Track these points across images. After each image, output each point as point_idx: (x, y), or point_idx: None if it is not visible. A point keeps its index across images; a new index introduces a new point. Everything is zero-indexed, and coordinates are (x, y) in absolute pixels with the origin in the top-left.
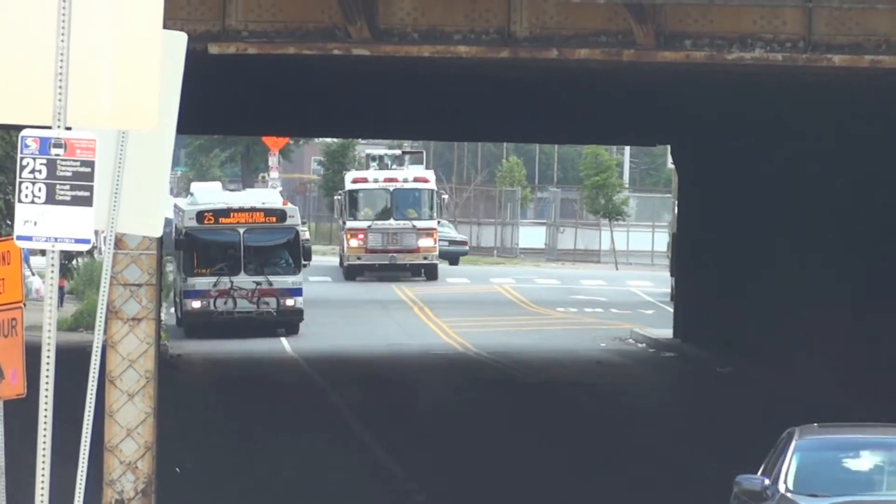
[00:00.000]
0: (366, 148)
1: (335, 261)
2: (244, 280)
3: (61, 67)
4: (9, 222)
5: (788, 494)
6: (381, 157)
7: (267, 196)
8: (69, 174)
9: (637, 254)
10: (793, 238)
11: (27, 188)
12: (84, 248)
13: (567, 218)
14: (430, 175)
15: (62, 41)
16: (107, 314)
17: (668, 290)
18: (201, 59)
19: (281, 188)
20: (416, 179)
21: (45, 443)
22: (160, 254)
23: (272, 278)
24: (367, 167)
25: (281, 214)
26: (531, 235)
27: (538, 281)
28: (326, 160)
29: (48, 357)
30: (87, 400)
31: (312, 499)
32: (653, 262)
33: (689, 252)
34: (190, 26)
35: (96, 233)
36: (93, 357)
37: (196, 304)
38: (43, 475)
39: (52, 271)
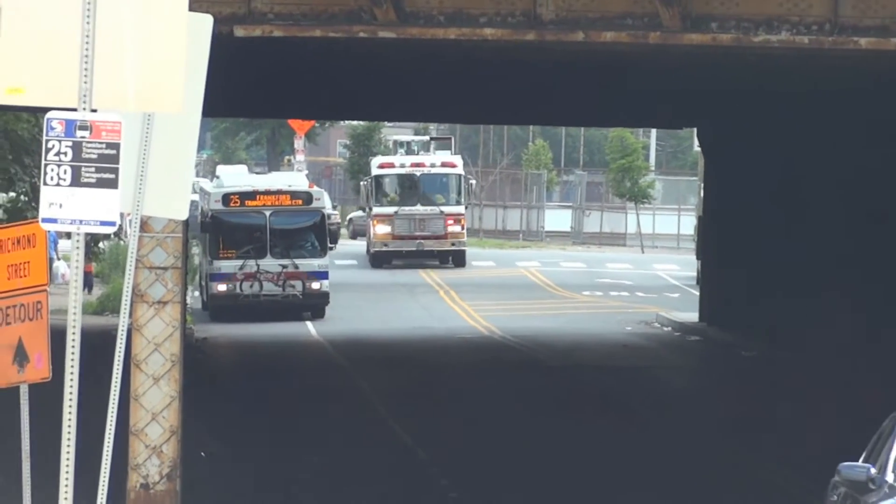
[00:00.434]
0: (392, 132)
1: (361, 244)
2: (270, 263)
3: (87, 50)
4: (34, 205)
5: None
6: (408, 144)
7: (293, 179)
8: (95, 156)
9: (663, 237)
10: (820, 222)
11: (53, 170)
12: (109, 230)
13: (593, 201)
14: (458, 160)
15: (88, 24)
16: (132, 297)
17: (694, 274)
18: (227, 42)
19: (307, 171)
20: (443, 164)
21: (69, 426)
22: (186, 237)
23: (298, 261)
24: (395, 153)
25: (307, 197)
26: (557, 218)
27: (564, 264)
28: (352, 143)
29: (73, 340)
30: (113, 383)
31: (338, 482)
32: (679, 245)
33: (714, 235)
34: (215, 9)
35: (122, 216)
36: (118, 340)
37: (222, 288)
38: (68, 459)
39: (78, 254)
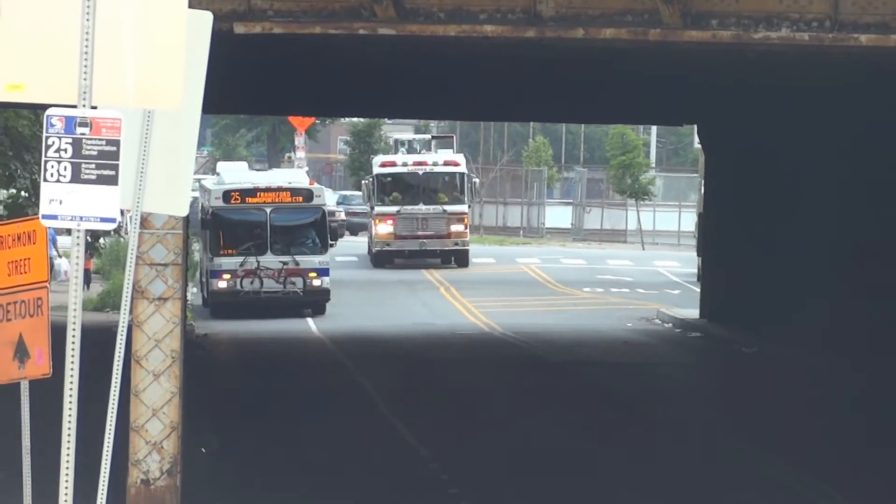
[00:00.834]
0: (392, 129)
1: (362, 241)
2: (271, 260)
3: (87, 47)
4: (34, 201)
5: None
6: (409, 143)
7: (293, 176)
8: (95, 153)
9: (663, 234)
10: (820, 219)
11: (53, 167)
12: (110, 226)
13: (593, 198)
14: (461, 158)
15: (88, 20)
16: (133, 294)
17: (695, 271)
18: (227, 39)
19: (307, 168)
20: (446, 163)
21: (70, 422)
22: (186, 233)
23: (299, 258)
24: (396, 152)
25: (307, 194)
26: (557, 215)
27: (564, 261)
28: (353, 140)
29: (73, 336)
30: (113, 380)
31: (338, 479)
32: (679, 242)
33: (715, 232)
34: (215, 5)
35: (122, 212)
36: (119, 337)
37: (222, 284)
38: (68, 455)
39: (78, 250)
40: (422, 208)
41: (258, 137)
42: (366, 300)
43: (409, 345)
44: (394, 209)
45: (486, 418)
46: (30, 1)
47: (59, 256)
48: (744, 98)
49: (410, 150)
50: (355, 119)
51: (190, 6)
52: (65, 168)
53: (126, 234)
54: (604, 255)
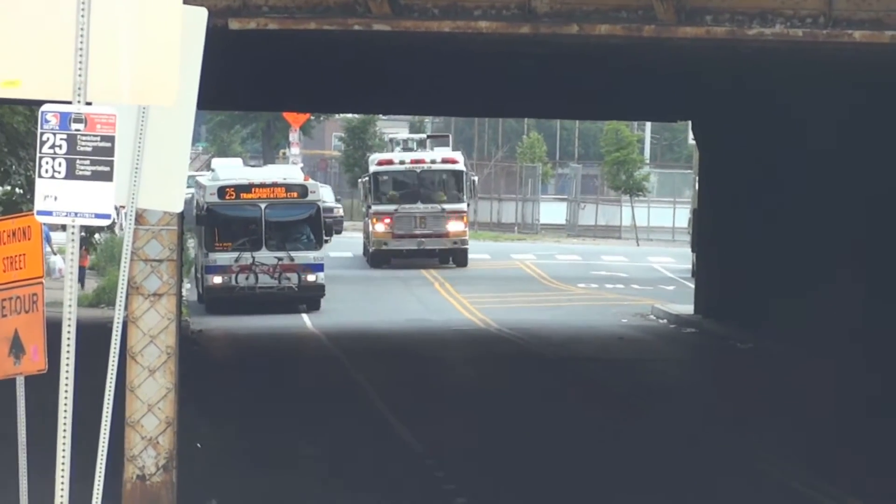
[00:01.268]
0: (386, 125)
1: (358, 236)
2: (266, 256)
3: (81, 43)
4: (29, 198)
5: None
6: (405, 141)
7: (288, 172)
8: (89, 149)
9: (658, 230)
10: (814, 214)
11: (47, 163)
12: (104, 222)
13: (588, 194)
14: (459, 156)
15: (83, 17)
16: (128, 290)
17: (690, 266)
18: (221, 35)
19: (302, 164)
20: (444, 160)
21: (65, 418)
22: (181, 229)
23: (294, 254)
24: (391, 151)
25: (302, 190)
26: (552, 211)
27: (559, 257)
28: (347, 136)
29: (69, 332)
30: (109, 375)
31: (334, 474)
32: (674, 237)
33: (710, 228)
34: (210, 1)
35: (117, 208)
36: (114, 333)
37: (217, 280)
38: (64, 451)
39: (73, 246)
40: (420, 207)
41: (253, 134)
42: (361, 296)
43: (405, 340)
44: (391, 208)
45: (481, 414)
46: None
47: (54, 254)
48: (738, 94)
49: (406, 149)
50: (350, 115)
51: (185, 2)
52: (59, 164)
53: (121, 230)
54: (598, 250)
